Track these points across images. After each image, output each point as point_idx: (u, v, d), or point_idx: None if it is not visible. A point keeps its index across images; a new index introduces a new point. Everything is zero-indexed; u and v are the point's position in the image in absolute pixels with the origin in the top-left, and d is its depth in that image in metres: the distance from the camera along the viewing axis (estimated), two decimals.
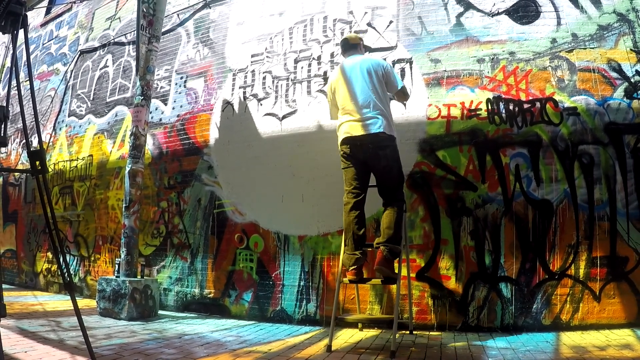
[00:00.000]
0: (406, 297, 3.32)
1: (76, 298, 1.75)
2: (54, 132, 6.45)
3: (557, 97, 3.42)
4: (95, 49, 6.21)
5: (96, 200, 5.44)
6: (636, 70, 3.34)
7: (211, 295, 4.24)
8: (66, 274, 1.69)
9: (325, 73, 4.10)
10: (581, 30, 3.50)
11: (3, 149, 7.22)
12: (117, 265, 4.05)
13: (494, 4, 3.69)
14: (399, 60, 3.82)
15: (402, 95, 3.16)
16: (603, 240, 3.20)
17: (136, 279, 3.97)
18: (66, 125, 6.28)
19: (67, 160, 6.04)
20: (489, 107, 3.51)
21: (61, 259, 1.76)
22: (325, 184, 3.80)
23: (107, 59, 5.97)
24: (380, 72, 3.00)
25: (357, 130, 2.89)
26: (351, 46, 3.23)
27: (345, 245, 2.94)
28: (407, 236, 3.27)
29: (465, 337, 3.06)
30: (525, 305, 3.22)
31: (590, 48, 3.45)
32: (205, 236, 4.40)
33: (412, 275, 3.38)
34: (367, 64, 3.02)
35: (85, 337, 1.60)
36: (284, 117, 4.21)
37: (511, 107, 3.48)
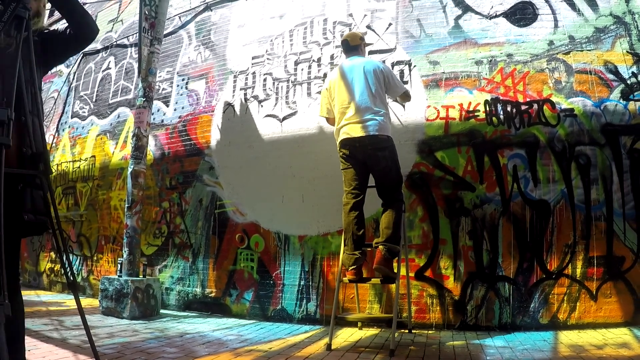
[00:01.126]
0: (405, 297, 3.35)
1: (79, 297, 1.78)
2: (57, 134, 6.51)
3: (554, 99, 3.45)
4: (97, 51, 6.26)
5: (99, 200, 5.49)
6: (632, 72, 3.37)
7: (212, 294, 4.28)
8: (69, 274, 1.72)
9: (325, 75, 4.13)
10: (578, 32, 3.52)
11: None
12: (119, 265, 4.10)
13: (492, 7, 3.72)
14: (398, 63, 3.86)
15: (405, 97, 3.25)
16: (600, 240, 3.23)
17: (138, 278, 4.01)
18: (69, 127, 6.34)
19: (70, 161, 6.10)
20: (487, 109, 3.55)
21: (64, 259, 1.80)
22: (325, 185, 3.83)
23: (109, 61, 6.03)
24: (379, 74, 3.02)
25: (357, 132, 2.92)
26: (352, 48, 3.24)
27: (344, 245, 2.97)
28: (406, 236, 3.29)
29: (463, 336, 3.09)
30: (523, 305, 3.25)
31: (587, 50, 3.48)
32: (206, 236, 4.44)
33: (411, 274, 3.41)
34: (366, 66, 3.04)
35: (88, 336, 1.63)
36: (284, 118, 4.25)
37: (509, 109, 3.51)
